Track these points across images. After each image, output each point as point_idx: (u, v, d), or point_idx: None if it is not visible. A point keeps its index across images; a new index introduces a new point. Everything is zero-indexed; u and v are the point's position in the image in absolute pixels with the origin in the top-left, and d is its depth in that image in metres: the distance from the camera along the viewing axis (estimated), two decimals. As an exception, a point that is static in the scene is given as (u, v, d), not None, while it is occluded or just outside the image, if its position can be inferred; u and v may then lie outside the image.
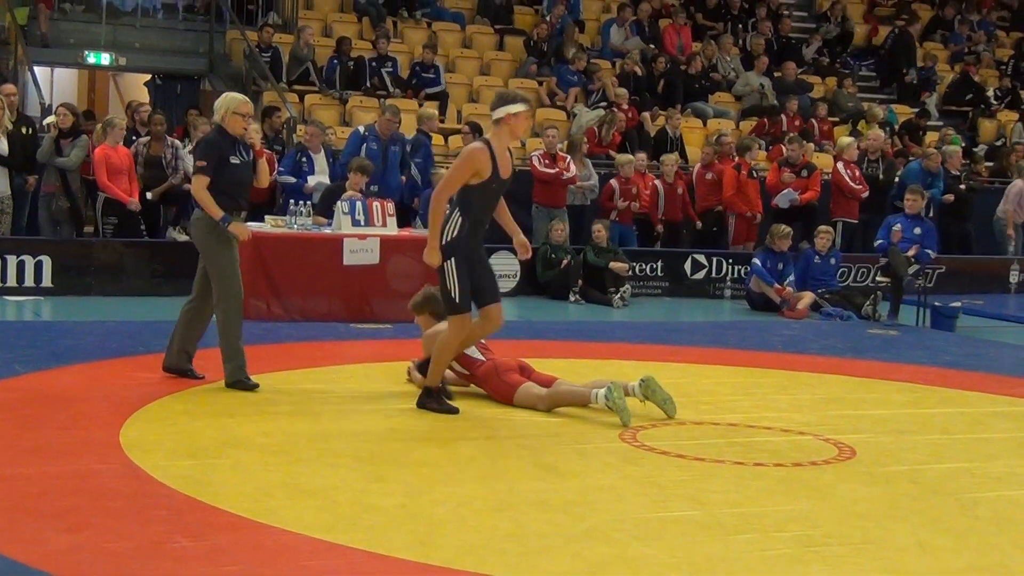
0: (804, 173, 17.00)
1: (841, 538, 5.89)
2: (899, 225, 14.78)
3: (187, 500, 5.93)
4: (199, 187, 8.57)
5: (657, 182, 16.84)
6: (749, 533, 5.86)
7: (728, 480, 6.86)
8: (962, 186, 18.27)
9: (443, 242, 8.04)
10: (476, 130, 15.51)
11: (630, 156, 16.77)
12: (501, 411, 8.35)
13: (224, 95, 8.93)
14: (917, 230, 14.94)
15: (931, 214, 17.21)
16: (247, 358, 8.74)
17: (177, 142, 14.89)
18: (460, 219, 8.05)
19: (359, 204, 12.78)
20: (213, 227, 8.55)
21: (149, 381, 8.78)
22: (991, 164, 20.64)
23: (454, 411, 8.22)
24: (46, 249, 13.66)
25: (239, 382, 8.66)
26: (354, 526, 5.66)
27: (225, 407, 8.12)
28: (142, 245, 14.16)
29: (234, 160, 8.62)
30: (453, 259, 8.04)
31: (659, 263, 16.49)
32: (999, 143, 21.81)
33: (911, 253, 14.72)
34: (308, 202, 13.30)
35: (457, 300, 8.10)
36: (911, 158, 19.06)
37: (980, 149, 21.30)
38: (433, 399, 8.28)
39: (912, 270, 14.67)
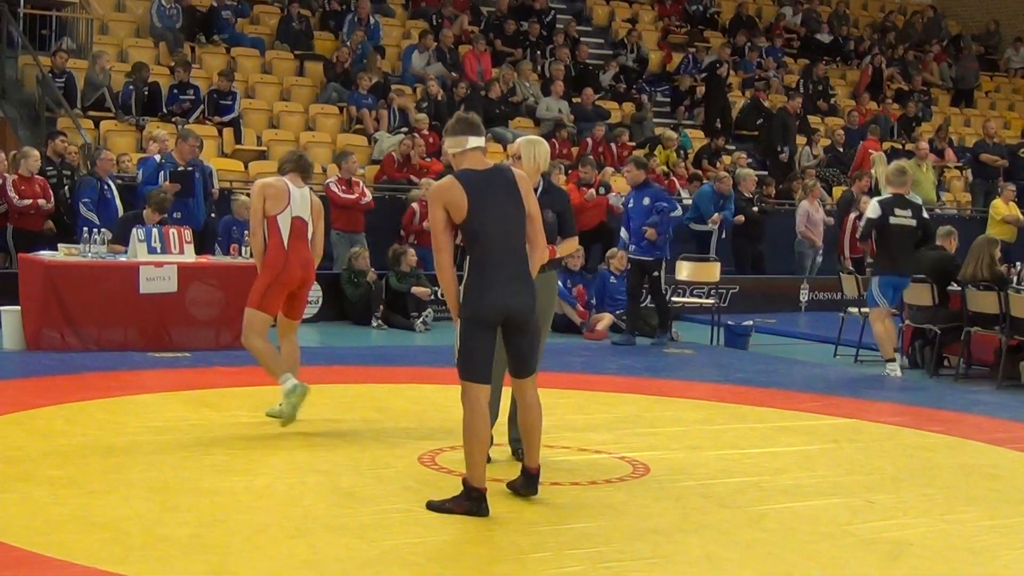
0: (603, 191, 17.84)
1: (633, 554, 6.03)
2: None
3: (-28, 537, 5.78)
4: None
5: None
6: (543, 552, 5.96)
7: (524, 500, 6.95)
8: (755, 208, 18.81)
9: None
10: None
11: (430, 180, 16.76)
12: (300, 440, 8.31)
13: (530, 140, 7.92)
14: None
15: (723, 235, 17.83)
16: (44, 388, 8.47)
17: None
18: None
19: (155, 231, 12.57)
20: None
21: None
22: (781, 187, 21.27)
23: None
24: None
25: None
26: (146, 557, 5.59)
27: (13, 440, 7.91)
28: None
29: None
30: None
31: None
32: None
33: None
34: (103, 230, 13.03)
35: None
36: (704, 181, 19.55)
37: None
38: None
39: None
